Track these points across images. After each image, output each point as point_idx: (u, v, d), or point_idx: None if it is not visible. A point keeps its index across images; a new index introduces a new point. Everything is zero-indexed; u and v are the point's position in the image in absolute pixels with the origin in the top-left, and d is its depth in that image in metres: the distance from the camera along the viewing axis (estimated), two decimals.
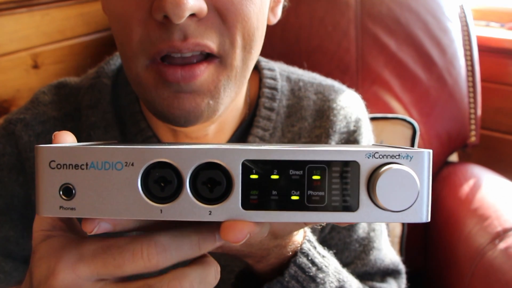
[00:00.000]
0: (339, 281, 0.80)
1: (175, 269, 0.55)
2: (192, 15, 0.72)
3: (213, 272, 0.57)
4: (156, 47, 0.75)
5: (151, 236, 0.54)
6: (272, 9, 0.88)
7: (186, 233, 0.55)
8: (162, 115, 0.80)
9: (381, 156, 0.50)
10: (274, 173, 0.50)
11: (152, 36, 0.74)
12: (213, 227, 0.56)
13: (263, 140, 0.96)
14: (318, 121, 1.00)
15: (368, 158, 0.50)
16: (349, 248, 1.00)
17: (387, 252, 1.04)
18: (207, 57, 0.77)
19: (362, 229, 1.00)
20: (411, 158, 0.50)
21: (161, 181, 0.50)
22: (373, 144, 0.91)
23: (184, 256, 0.55)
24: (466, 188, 1.46)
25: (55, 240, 0.57)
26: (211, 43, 0.75)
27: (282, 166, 0.50)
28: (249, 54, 0.80)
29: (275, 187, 0.50)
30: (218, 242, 0.56)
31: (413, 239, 1.55)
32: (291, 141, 0.98)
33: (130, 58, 0.78)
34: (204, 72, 0.76)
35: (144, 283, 0.54)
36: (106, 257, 0.53)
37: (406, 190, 0.49)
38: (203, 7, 0.72)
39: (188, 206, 0.50)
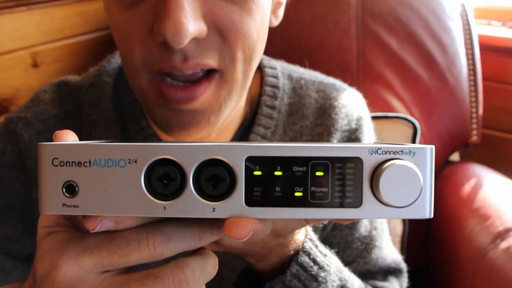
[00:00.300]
0: (341, 280, 0.80)
1: (177, 259, 0.56)
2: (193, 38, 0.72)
3: (212, 263, 0.58)
4: (157, 66, 0.75)
5: (155, 225, 0.55)
6: (273, 12, 0.88)
7: (187, 225, 0.56)
8: (162, 128, 0.81)
9: (384, 152, 0.50)
10: (278, 169, 0.50)
11: (153, 55, 0.75)
12: (213, 221, 0.56)
13: (264, 138, 0.96)
14: (320, 119, 1.01)
15: (371, 154, 0.50)
16: (351, 246, 1.00)
17: (389, 250, 1.05)
18: (208, 73, 0.77)
19: (364, 228, 1.01)
20: (413, 154, 0.50)
21: (165, 178, 0.50)
22: (375, 142, 0.92)
23: (186, 246, 0.56)
24: (467, 187, 1.47)
25: (58, 235, 0.57)
26: (211, 61, 0.75)
27: (285, 162, 0.50)
28: (249, 66, 0.80)
29: (278, 183, 0.51)
30: (216, 236, 0.57)
31: (414, 239, 1.56)
32: (293, 139, 0.99)
33: (133, 72, 0.79)
34: (205, 92, 0.77)
35: (147, 272, 0.55)
36: (112, 247, 0.54)
37: (409, 186, 0.49)
38: (203, 30, 0.72)
39: (191, 203, 0.50)
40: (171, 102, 0.76)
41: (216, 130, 0.92)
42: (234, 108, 0.84)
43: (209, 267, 0.58)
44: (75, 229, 0.59)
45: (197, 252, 0.59)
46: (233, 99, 0.81)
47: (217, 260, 0.59)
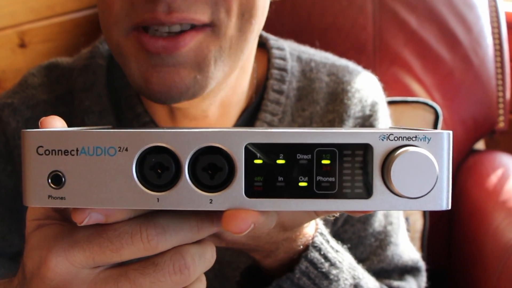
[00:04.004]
0: (354, 278, 0.80)
1: (176, 246, 0.56)
2: None
3: (210, 251, 0.58)
4: (139, 17, 0.74)
5: (149, 217, 0.55)
6: None
7: (184, 216, 0.56)
8: (141, 90, 0.79)
9: (396, 138, 0.50)
10: (280, 157, 0.50)
11: (136, 4, 0.74)
12: (212, 212, 0.56)
13: (271, 125, 0.96)
14: (331, 105, 1.00)
15: (382, 140, 0.50)
16: (364, 242, 1.00)
17: (405, 247, 1.05)
18: (197, 26, 0.76)
19: (378, 222, 1.01)
20: (429, 140, 0.50)
21: (158, 168, 0.50)
22: (393, 127, 0.91)
23: (183, 239, 0.56)
24: (493, 178, 1.46)
25: (47, 229, 0.58)
26: (201, 16, 0.74)
27: (288, 150, 0.50)
28: (247, 23, 0.78)
29: (281, 172, 0.50)
30: (215, 228, 0.57)
31: (436, 234, 1.55)
32: (302, 126, 0.98)
33: (111, 25, 0.77)
34: (190, 42, 0.75)
35: (146, 260, 0.55)
36: (103, 241, 0.54)
37: (424, 175, 0.49)
38: None
39: (187, 194, 0.50)
40: (151, 52, 0.75)
41: (215, 114, 0.92)
42: (228, 75, 0.82)
43: (208, 254, 0.58)
44: (66, 221, 0.60)
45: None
46: (225, 60, 0.78)
47: (214, 249, 0.59)
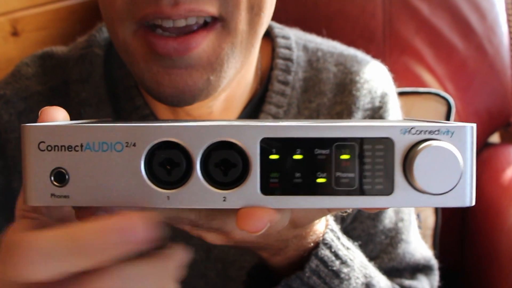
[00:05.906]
0: (365, 277, 0.80)
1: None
2: None
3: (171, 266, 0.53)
4: (142, 11, 0.74)
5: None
6: None
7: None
8: (152, 93, 0.79)
9: (418, 132, 0.50)
10: (297, 152, 0.50)
11: None
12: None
13: (276, 118, 0.96)
14: (339, 96, 1.00)
15: (404, 134, 0.50)
16: (374, 240, 1.00)
17: (417, 245, 1.05)
18: (206, 23, 0.75)
19: (388, 219, 1.01)
20: (452, 133, 0.50)
21: (168, 164, 0.50)
22: (407, 118, 0.91)
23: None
24: (509, 173, 1.46)
25: (23, 223, 0.54)
26: (210, 7, 0.73)
27: (306, 144, 0.50)
28: (257, 16, 0.78)
29: (298, 168, 0.51)
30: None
31: (448, 232, 1.56)
32: (309, 118, 0.98)
33: (115, 22, 0.77)
34: (203, 42, 0.75)
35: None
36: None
37: (448, 170, 0.49)
38: None
39: (199, 192, 0.50)
40: (161, 54, 0.74)
41: (219, 108, 0.92)
42: (239, 71, 0.83)
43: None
44: (55, 220, 0.58)
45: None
46: (237, 57, 0.78)
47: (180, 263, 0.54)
